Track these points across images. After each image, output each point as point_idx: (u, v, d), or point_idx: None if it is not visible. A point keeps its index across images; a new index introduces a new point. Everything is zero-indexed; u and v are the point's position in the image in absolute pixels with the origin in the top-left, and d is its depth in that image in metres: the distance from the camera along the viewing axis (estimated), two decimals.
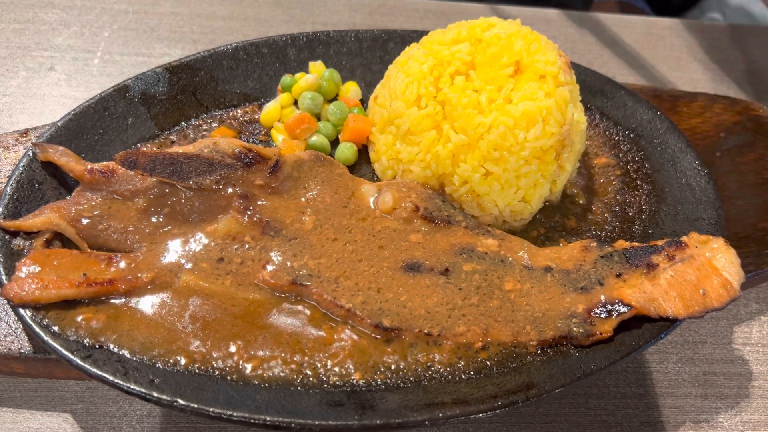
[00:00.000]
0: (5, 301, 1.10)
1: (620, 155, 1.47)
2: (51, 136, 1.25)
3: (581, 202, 1.38)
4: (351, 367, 1.03)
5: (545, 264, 1.17)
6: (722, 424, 1.22)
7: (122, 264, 1.09)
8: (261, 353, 1.03)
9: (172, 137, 1.39)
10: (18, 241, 1.10)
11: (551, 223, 1.34)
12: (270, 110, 1.45)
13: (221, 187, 1.17)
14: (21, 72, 1.72)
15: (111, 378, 0.95)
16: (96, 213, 1.15)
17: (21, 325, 1.10)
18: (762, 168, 1.56)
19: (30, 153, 1.20)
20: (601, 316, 1.08)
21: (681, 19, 2.32)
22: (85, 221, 1.14)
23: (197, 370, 1.00)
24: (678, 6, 2.79)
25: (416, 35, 1.58)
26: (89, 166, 1.17)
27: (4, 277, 1.05)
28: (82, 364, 0.96)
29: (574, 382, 1.01)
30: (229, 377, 1.00)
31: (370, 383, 1.02)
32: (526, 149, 1.23)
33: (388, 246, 1.17)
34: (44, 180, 1.20)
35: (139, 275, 1.08)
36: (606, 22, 2.20)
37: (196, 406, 0.93)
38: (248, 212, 1.16)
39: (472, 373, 1.04)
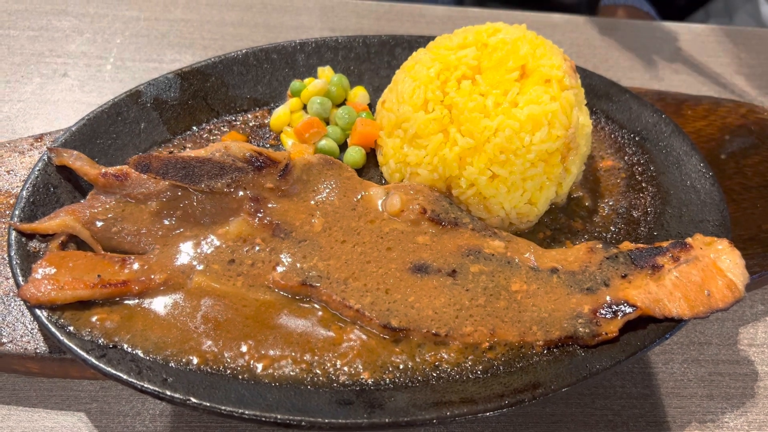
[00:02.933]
0: (22, 302, 1.13)
1: (625, 158, 1.48)
2: (65, 140, 1.28)
3: (587, 204, 1.39)
4: (360, 366, 1.05)
5: (551, 265, 1.19)
6: (728, 424, 1.23)
7: (135, 266, 1.11)
8: (272, 353, 1.05)
9: (183, 142, 1.41)
10: (34, 244, 1.12)
11: (557, 225, 1.36)
12: (279, 115, 1.47)
13: (232, 190, 1.19)
14: (35, 78, 1.75)
15: (125, 377, 0.97)
16: (110, 216, 1.17)
17: (37, 326, 1.12)
18: (767, 170, 1.57)
19: (45, 157, 1.23)
20: (607, 316, 1.09)
21: (686, 23, 2.33)
22: (99, 224, 1.16)
23: (209, 370, 1.02)
24: (683, 9, 2.80)
25: (423, 40, 1.60)
26: (103, 170, 1.19)
27: (20, 279, 1.07)
28: (96, 363, 0.98)
29: (580, 382, 1.02)
30: (240, 376, 1.02)
31: (379, 382, 1.04)
32: (532, 152, 1.24)
33: (396, 248, 1.19)
34: (59, 184, 1.22)
35: (152, 276, 1.10)
36: (611, 26, 2.22)
37: (208, 404, 0.95)
38: (259, 215, 1.19)
39: (479, 372, 1.06)
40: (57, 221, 1.14)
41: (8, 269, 1.17)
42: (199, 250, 1.15)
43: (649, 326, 1.09)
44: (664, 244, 1.18)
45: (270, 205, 1.21)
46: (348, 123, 1.46)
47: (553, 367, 1.05)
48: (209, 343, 1.05)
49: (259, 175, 1.21)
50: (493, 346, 1.08)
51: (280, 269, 1.13)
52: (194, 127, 1.44)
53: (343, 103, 1.54)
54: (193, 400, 0.95)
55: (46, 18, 1.93)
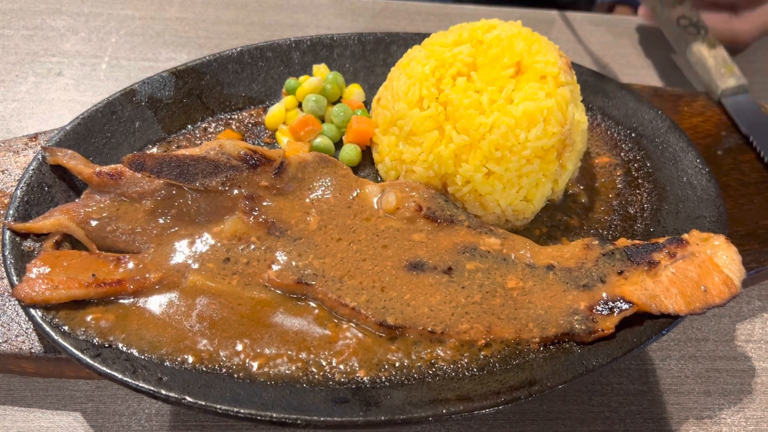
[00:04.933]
0: (16, 302, 1.12)
1: (622, 154, 1.48)
2: (60, 140, 1.27)
3: (583, 201, 1.39)
4: (356, 364, 1.05)
5: (547, 262, 1.18)
6: (725, 420, 1.23)
7: (130, 265, 1.11)
8: (267, 351, 1.05)
9: (178, 140, 1.41)
10: (28, 243, 1.12)
11: (553, 221, 1.35)
12: (275, 113, 1.46)
13: (227, 188, 1.19)
14: (30, 77, 1.75)
15: (120, 376, 0.97)
16: (104, 215, 1.17)
17: (32, 325, 1.12)
18: (764, 166, 1.56)
19: (39, 157, 1.22)
20: (603, 313, 1.09)
21: None
22: (93, 223, 1.16)
23: (205, 368, 1.01)
24: None
25: (418, 38, 1.59)
26: (97, 169, 1.19)
27: (15, 278, 1.07)
28: (91, 362, 0.98)
29: (576, 378, 1.02)
30: (236, 375, 1.02)
31: (375, 380, 1.04)
32: (528, 149, 1.24)
33: (391, 245, 1.18)
34: (53, 183, 1.22)
35: (147, 275, 1.10)
36: (607, 23, 2.21)
37: (203, 403, 0.95)
38: (254, 213, 1.18)
39: (475, 370, 1.06)
40: (51, 220, 1.13)
41: (2, 269, 1.16)
42: (194, 249, 1.15)
43: (646, 322, 1.09)
44: (661, 240, 1.18)
45: (265, 204, 1.20)
46: (343, 121, 1.45)
47: (549, 364, 1.05)
48: (204, 341, 1.04)
49: (254, 174, 1.20)
50: (489, 344, 1.08)
51: (275, 267, 1.13)
52: (189, 126, 1.44)
53: (338, 101, 1.53)
54: (189, 399, 0.95)
55: (41, 17, 1.92)
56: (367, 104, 1.54)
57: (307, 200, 1.24)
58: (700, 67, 1.60)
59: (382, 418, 0.96)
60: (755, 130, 1.45)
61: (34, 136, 1.40)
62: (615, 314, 1.08)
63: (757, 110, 1.49)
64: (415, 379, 1.04)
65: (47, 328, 1.01)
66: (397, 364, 1.06)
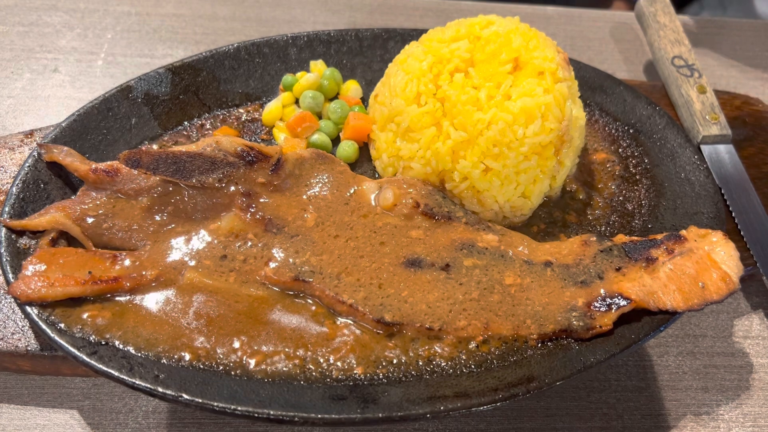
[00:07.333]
0: (12, 299, 1.12)
1: (620, 150, 1.48)
2: (56, 136, 1.27)
3: (581, 197, 1.39)
4: (353, 361, 1.05)
5: (545, 259, 1.18)
6: (723, 416, 1.23)
7: (127, 262, 1.11)
8: (264, 348, 1.04)
9: (175, 137, 1.40)
10: (24, 240, 1.12)
11: (551, 218, 1.35)
12: (271, 109, 1.46)
13: (224, 185, 1.18)
14: (25, 74, 1.74)
15: (116, 374, 0.96)
16: (101, 212, 1.16)
17: (28, 323, 1.11)
18: (761, 162, 1.56)
19: (35, 153, 1.22)
20: (601, 309, 1.09)
21: (680, 15, 2.32)
22: (90, 220, 1.15)
23: (202, 366, 1.01)
24: (677, 1, 2.79)
25: (416, 33, 1.59)
26: (93, 166, 1.19)
27: (11, 276, 1.06)
28: (88, 360, 0.98)
29: (574, 375, 1.02)
30: (233, 372, 1.01)
31: (372, 377, 1.03)
32: (525, 145, 1.24)
33: (389, 242, 1.18)
34: (49, 180, 1.21)
35: (144, 273, 1.09)
36: (605, 18, 2.21)
37: (200, 400, 0.95)
38: (251, 210, 1.18)
39: (473, 366, 1.06)
40: (47, 218, 1.13)
41: None
42: (190, 246, 1.15)
43: (644, 319, 1.09)
44: (659, 236, 1.18)
45: (262, 200, 1.20)
46: (340, 117, 1.45)
47: (547, 361, 1.05)
48: (201, 339, 1.04)
49: (251, 170, 1.20)
50: (487, 340, 1.08)
51: (272, 264, 1.13)
52: (185, 122, 1.43)
53: (335, 97, 1.53)
54: (186, 396, 0.95)
55: (37, 13, 1.91)
56: (364, 100, 1.53)
57: (304, 197, 1.23)
58: (686, 110, 1.60)
59: (380, 415, 0.96)
60: (727, 183, 1.46)
61: (30, 133, 1.39)
62: (613, 311, 1.08)
63: (735, 162, 1.50)
64: (412, 376, 1.04)
65: (43, 326, 1.01)
66: (394, 361, 1.05)
